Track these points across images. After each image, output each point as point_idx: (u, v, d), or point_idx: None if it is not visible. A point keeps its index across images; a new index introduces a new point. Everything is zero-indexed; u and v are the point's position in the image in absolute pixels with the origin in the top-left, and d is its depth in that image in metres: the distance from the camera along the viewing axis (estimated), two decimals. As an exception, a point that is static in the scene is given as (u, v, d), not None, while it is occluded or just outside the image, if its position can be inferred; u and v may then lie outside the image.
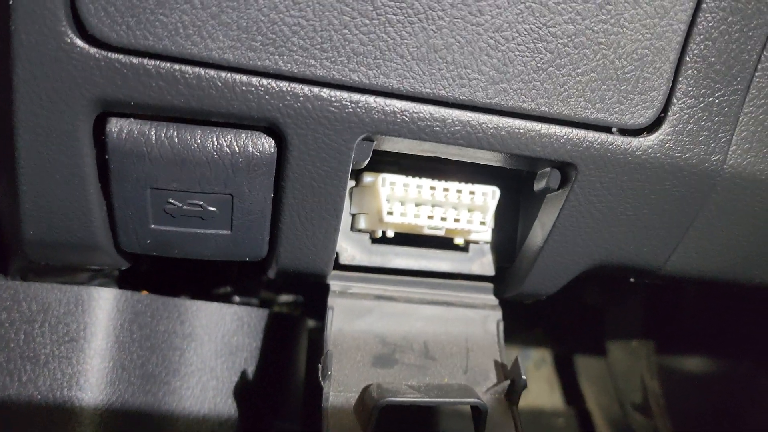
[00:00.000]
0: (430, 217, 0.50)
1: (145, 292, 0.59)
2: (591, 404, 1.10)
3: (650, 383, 0.96)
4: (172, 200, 0.44)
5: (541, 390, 1.15)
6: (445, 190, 0.50)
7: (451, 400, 0.47)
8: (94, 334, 0.55)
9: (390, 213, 0.49)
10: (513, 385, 0.50)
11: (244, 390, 0.62)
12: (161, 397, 0.58)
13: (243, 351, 0.63)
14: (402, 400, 0.45)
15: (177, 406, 0.59)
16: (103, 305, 0.55)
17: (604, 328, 1.07)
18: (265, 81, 0.40)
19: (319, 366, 0.48)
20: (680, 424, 0.95)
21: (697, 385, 0.95)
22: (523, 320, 1.11)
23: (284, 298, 0.94)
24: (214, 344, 0.61)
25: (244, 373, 0.62)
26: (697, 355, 0.96)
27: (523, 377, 0.49)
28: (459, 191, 0.50)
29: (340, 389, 0.49)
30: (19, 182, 0.42)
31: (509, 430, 0.49)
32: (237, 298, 0.79)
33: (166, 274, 0.73)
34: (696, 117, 0.44)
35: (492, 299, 0.56)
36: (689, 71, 0.43)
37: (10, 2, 0.36)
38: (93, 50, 0.37)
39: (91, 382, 0.54)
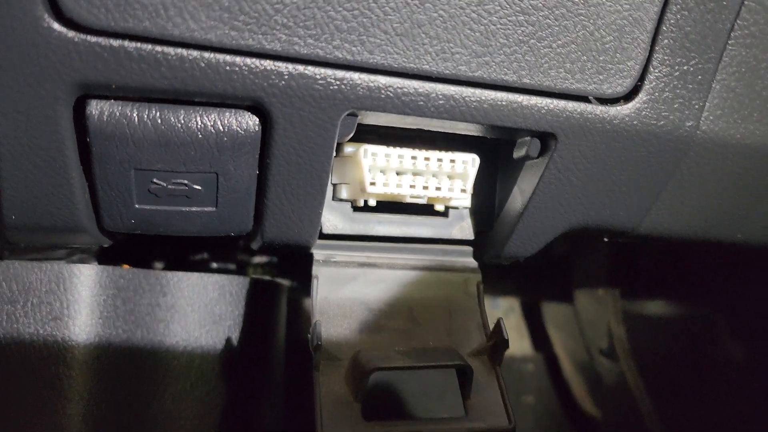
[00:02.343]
0: (412, 186, 0.51)
1: (126, 266, 0.58)
2: (559, 350, 1.14)
3: (616, 329, 1.00)
4: (156, 180, 0.44)
5: (511, 337, 1.18)
6: (426, 159, 0.50)
7: (438, 364, 0.48)
8: (78, 312, 0.55)
9: (373, 183, 0.50)
10: (496, 345, 0.52)
11: (229, 357, 0.63)
12: (149, 369, 0.59)
13: (226, 319, 0.63)
14: (391, 366, 0.47)
15: (164, 377, 0.59)
16: (86, 282, 0.55)
17: (572, 277, 1.11)
18: (249, 60, 0.39)
19: (309, 336, 0.49)
20: (644, 366, 0.99)
21: (660, 330, 0.99)
22: (493, 271, 1.14)
23: (259, 259, 0.95)
24: (198, 314, 0.62)
25: (228, 341, 0.63)
26: (660, 301, 1.00)
27: (506, 338, 0.51)
28: (440, 160, 0.51)
29: (330, 357, 0.50)
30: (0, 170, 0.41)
31: (493, 388, 0.51)
32: (214, 264, 0.79)
33: (143, 244, 0.72)
34: (671, 85, 0.45)
35: (472, 262, 0.58)
36: (666, 41, 0.44)
37: None
38: (71, 34, 0.36)
39: (79, 359, 0.55)
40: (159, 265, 0.76)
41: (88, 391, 0.55)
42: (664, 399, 0.99)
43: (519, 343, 1.19)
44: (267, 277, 0.86)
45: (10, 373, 0.53)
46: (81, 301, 0.55)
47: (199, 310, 0.62)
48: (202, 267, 0.80)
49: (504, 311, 1.20)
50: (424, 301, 0.55)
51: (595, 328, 1.04)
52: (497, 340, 0.52)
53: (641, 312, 1.01)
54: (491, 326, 0.54)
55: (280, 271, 0.96)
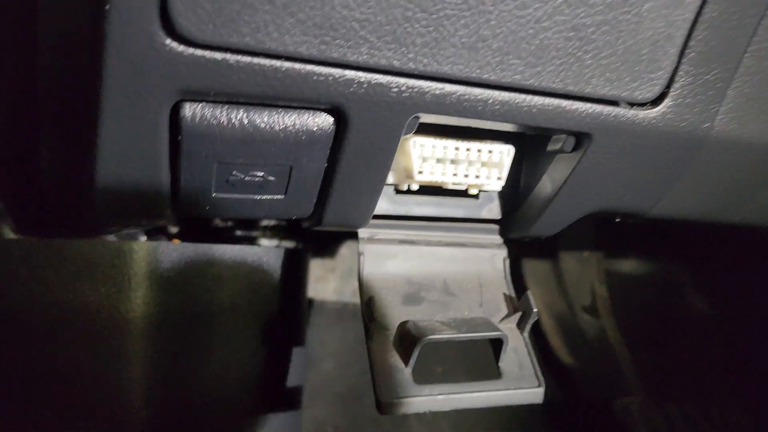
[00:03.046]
0: (454, 174, 0.56)
1: (176, 241, 0.63)
2: (538, 304, 1.22)
3: (599, 289, 1.09)
4: (235, 172, 0.48)
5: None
6: (467, 149, 0.56)
7: (480, 334, 0.54)
8: (138, 284, 0.59)
9: (420, 172, 0.55)
10: (524, 315, 0.59)
11: (267, 321, 0.68)
12: (199, 336, 0.64)
13: (264, 287, 0.68)
14: (440, 337, 0.53)
15: (212, 343, 0.64)
16: (144, 257, 0.59)
17: (558, 240, 1.18)
18: (334, 70, 0.43)
19: (363, 311, 0.54)
20: (622, 322, 1.08)
21: (638, 289, 1.08)
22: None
23: (266, 222, 0.99)
24: (240, 283, 0.67)
25: (266, 307, 0.68)
26: (639, 261, 1.09)
27: (534, 310, 0.57)
28: (479, 150, 0.56)
29: (379, 328, 0.56)
30: (97, 166, 0.44)
31: (523, 353, 0.58)
32: (238, 232, 0.83)
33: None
34: (693, 92, 0.51)
35: (498, 239, 0.64)
36: (692, 54, 0.49)
37: (106, 7, 0.38)
38: (181, 48, 0.40)
39: (140, 327, 0.59)
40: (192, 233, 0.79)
41: (149, 357, 0.60)
42: (639, 350, 1.09)
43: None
44: (292, 244, 0.90)
45: (79, 342, 0.57)
46: (141, 274, 0.59)
47: (240, 279, 0.67)
48: (228, 234, 0.84)
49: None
50: (457, 274, 0.61)
51: (579, 287, 1.13)
52: (525, 311, 0.59)
53: (623, 272, 1.09)
54: (516, 297, 0.61)
55: (286, 234, 1.01)
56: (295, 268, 0.74)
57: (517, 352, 0.58)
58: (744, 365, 1.06)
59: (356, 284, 1.15)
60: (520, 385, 0.55)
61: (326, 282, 1.03)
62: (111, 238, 0.61)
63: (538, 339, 1.24)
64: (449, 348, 0.57)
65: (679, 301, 1.07)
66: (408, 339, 0.54)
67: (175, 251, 0.62)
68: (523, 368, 0.57)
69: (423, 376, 0.54)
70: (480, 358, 0.58)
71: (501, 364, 0.56)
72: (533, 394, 0.55)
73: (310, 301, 0.99)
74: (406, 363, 0.54)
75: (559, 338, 1.19)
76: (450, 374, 0.55)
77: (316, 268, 1.03)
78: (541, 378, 0.56)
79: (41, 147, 0.49)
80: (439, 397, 0.53)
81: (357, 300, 1.15)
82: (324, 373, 0.97)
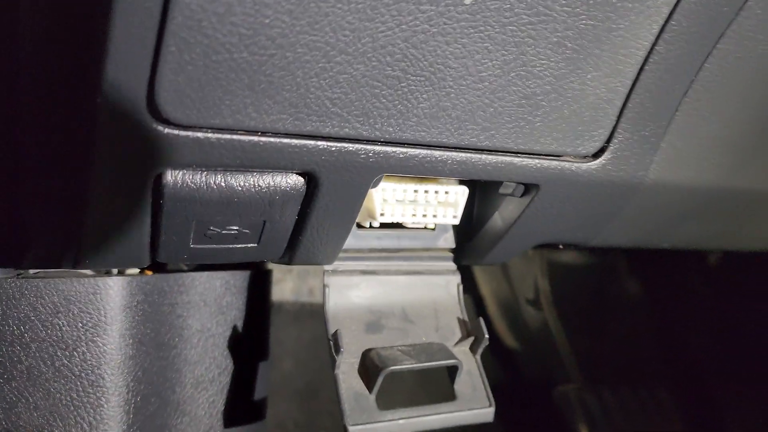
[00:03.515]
0: (413, 215, 0.60)
1: (149, 273, 0.65)
2: (485, 292, 1.29)
3: (541, 283, 1.16)
4: (212, 227, 0.51)
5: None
6: (426, 191, 0.60)
7: (438, 363, 0.60)
8: (114, 318, 0.62)
9: (382, 214, 0.59)
10: (476, 340, 0.64)
11: (235, 341, 0.72)
12: (172, 360, 0.67)
13: (232, 309, 0.72)
14: (401, 368, 0.58)
15: (185, 365, 0.68)
16: (119, 291, 0.62)
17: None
18: (307, 142, 0.47)
19: (330, 342, 0.59)
20: (563, 312, 1.16)
21: (577, 283, 1.16)
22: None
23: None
24: (209, 307, 0.70)
25: (234, 328, 0.72)
26: (579, 260, 1.17)
27: (486, 336, 0.63)
28: (436, 191, 0.60)
29: (345, 357, 0.61)
30: (82, 220, 0.47)
31: (475, 375, 0.63)
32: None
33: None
34: (630, 146, 0.56)
35: (452, 266, 0.69)
36: (630, 114, 0.54)
37: (98, 99, 0.40)
38: (167, 130, 0.43)
39: (116, 359, 0.62)
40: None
41: (126, 386, 0.63)
42: (577, 336, 1.17)
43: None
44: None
45: (58, 377, 0.60)
46: (116, 308, 0.62)
47: (210, 303, 0.70)
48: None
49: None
50: (415, 302, 0.66)
51: (524, 281, 1.20)
52: (477, 336, 0.64)
53: (564, 268, 1.17)
54: (469, 319, 0.66)
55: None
56: (260, 289, 0.77)
57: (471, 374, 0.63)
58: (672, 351, 1.16)
59: (312, 283, 1.20)
60: (472, 406, 0.61)
61: (283, 282, 1.07)
62: (87, 272, 0.63)
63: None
64: (409, 373, 0.63)
65: (614, 296, 1.16)
66: (372, 368, 0.59)
67: (148, 283, 0.64)
68: (475, 390, 0.62)
69: (386, 401, 0.59)
70: (437, 381, 0.64)
71: (456, 386, 0.62)
72: (484, 414, 0.61)
73: (269, 302, 1.03)
74: (370, 390, 0.59)
75: (504, 327, 1.26)
76: (410, 397, 0.60)
77: (274, 269, 1.06)
78: (492, 399, 0.62)
79: (28, 195, 0.51)
80: (401, 421, 0.58)
81: (313, 300, 1.19)
82: (283, 371, 1.01)
